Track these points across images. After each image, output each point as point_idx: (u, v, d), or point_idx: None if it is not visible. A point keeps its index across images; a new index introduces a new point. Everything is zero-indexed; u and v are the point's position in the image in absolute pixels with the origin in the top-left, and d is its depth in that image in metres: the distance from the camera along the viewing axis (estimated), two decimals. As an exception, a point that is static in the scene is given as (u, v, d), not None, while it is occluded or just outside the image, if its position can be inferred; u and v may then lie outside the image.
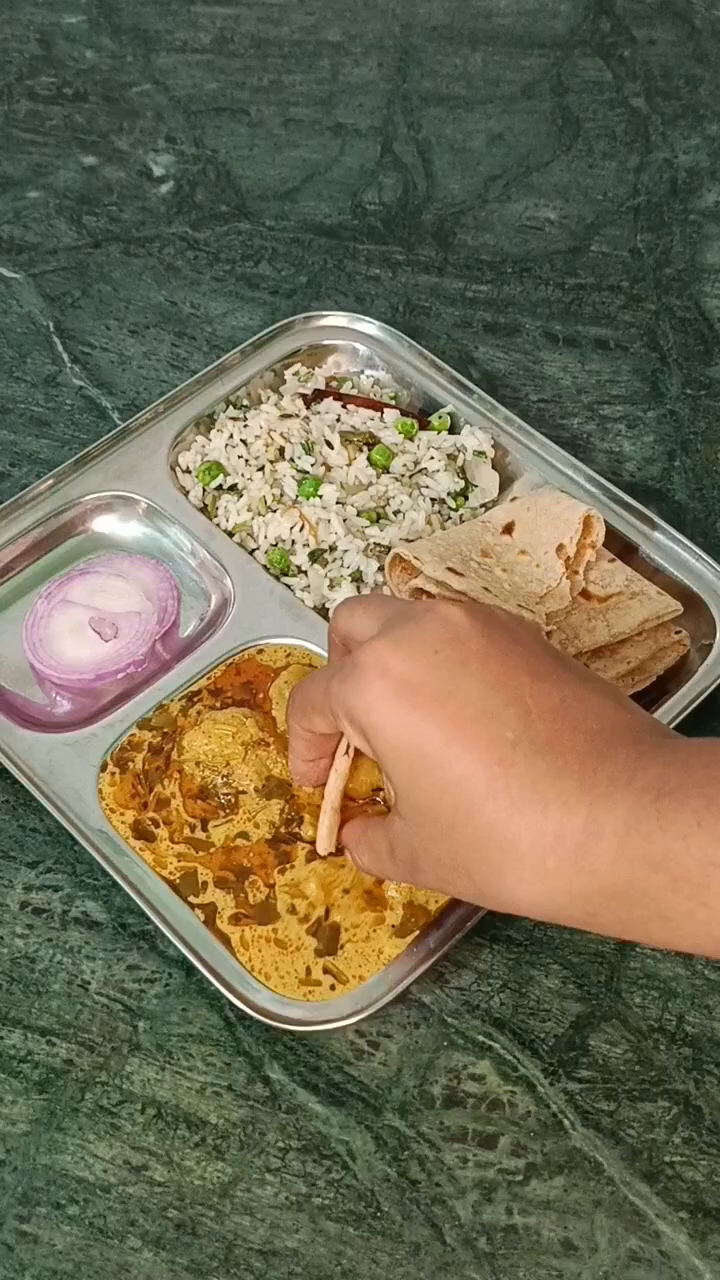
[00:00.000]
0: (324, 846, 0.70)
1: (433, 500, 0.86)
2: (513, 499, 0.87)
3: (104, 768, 0.75)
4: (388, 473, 0.87)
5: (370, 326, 0.95)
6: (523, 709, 0.56)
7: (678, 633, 0.79)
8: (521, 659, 0.58)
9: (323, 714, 0.63)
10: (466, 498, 0.87)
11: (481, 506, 0.87)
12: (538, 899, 0.56)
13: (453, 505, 0.86)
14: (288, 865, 0.71)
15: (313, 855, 0.71)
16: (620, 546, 0.83)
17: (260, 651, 0.80)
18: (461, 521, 0.86)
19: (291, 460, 0.87)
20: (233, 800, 0.73)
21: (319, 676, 0.64)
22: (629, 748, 0.55)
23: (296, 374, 0.93)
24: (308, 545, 0.83)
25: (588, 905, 0.55)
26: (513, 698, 0.56)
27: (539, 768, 0.55)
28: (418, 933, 0.69)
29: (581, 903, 0.55)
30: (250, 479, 0.86)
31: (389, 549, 0.82)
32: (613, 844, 0.53)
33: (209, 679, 0.78)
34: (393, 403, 0.92)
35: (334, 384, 0.93)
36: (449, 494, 0.86)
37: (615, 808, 0.53)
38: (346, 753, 0.68)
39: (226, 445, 0.88)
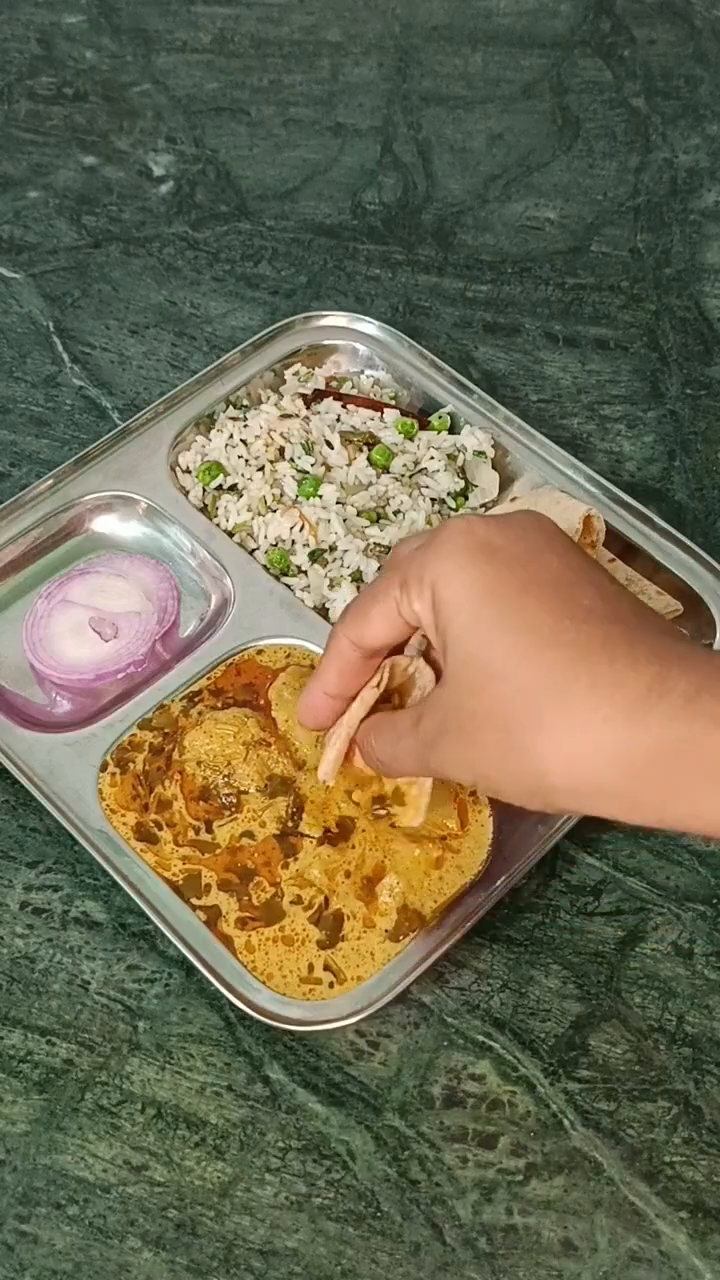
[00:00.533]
0: (328, 772, 0.68)
1: (433, 500, 0.86)
2: (513, 499, 0.87)
3: (104, 768, 0.75)
4: (388, 473, 0.87)
5: (370, 326, 0.95)
6: (600, 590, 0.55)
7: (678, 633, 0.80)
8: (601, 571, 0.57)
9: (385, 595, 0.59)
10: (466, 498, 0.87)
11: (481, 506, 0.87)
12: (574, 756, 0.51)
13: (453, 505, 0.86)
14: (292, 859, 0.71)
15: (321, 841, 0.71)
16: (620, 546, 0.83)
17: (260, 652, 0.80)
18: (461, 521, 0.86)
19: (291, 460, 0.87)
20: (234, 800, 0.73)
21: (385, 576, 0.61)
22: (700, 649, 0.54)
23: (296, 374, 0.93)
24: (308, 545, 0.83)
25: (629, 768, 0.50)
26: (591, 580, 0.55)
27: (612, 631, 0.52)
28: (411, 936, 0.69)
29: (623, 765, 0.50)
30: (250, 479, 0.86)
31: (389, 549, 0.82)
32: (678, 702, 0.49)
33: (209, 679, 0.78)
34: (393, 403, 0.92)
35: (334, 384, 0.93)
36: (449, 494, 0.86)
37: (688, 673, 0.50)
38: (377, 685, 0.65)
39: (226, 445, 0.88)
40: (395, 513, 0.85)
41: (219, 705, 0.77)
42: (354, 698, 0.65)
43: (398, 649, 0.64)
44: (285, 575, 0.83)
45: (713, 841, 0.75)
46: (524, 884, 0.73)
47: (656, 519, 0.84)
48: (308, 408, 0.90)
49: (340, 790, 0.74)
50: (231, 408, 0.91)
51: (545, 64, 1.20)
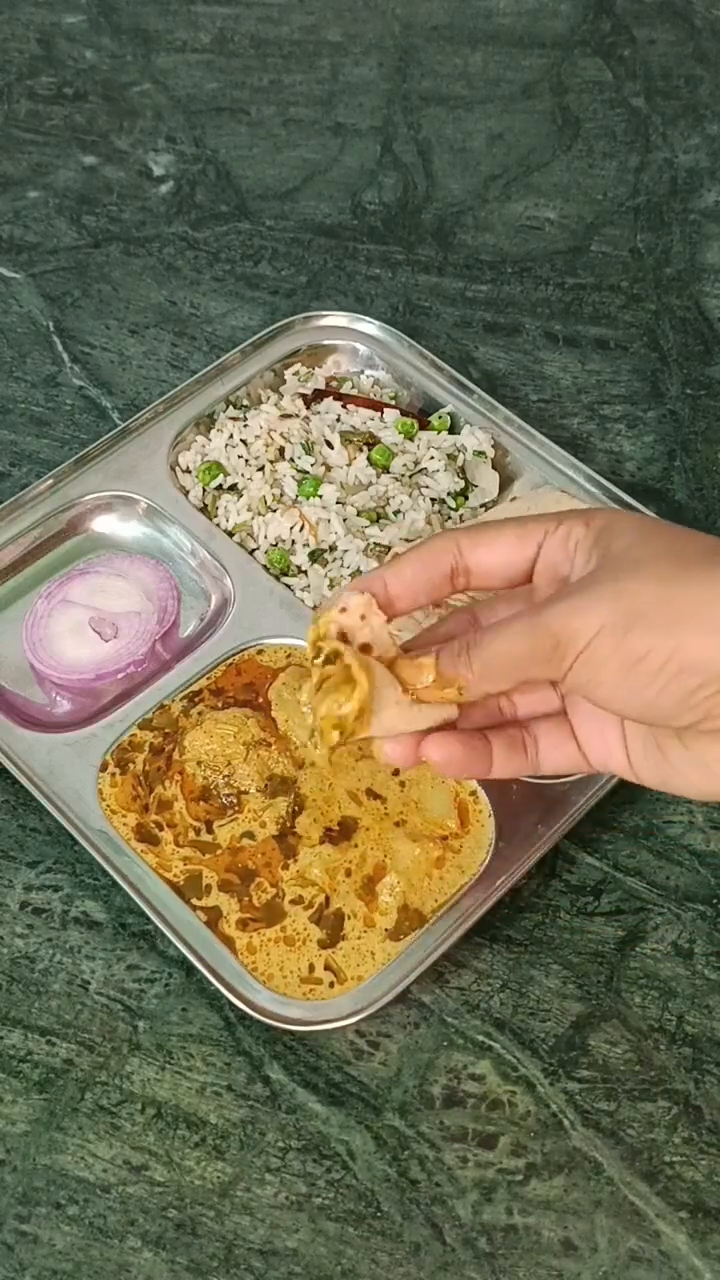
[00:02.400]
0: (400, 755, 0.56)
1: (433, 500, 0.86)
2: (513, 499, 0.87)
3: (104, 768, 0.75)
4: (388, 473, 0.87)
5: (370, 326, 0.95)
6: None
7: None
8: None
9: (534, 524, 0.55)
10: (466, 498, 0.87)
11: (481, 506, 0.87)
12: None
13: (453, 505, 0.86)
14: (292, 859, 0.71)
15: (322, 840, 0.71)
16: (620, 546, 0.83)
17: (260, 652, 0.80)
18: (461, 521, 0.86)
19: (291, 460, 0.87)
20: (235, 800, 0.73)
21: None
22: None
23: (296, 374, 0.93)
24: (308, 545, 0.83)
25: None
26: None
27: None
28: (411, 936, 0.69)
29: None
30: (250, 479, 0.86)
31: (389, 549, 0.82)
32: None
33: (210, 679, 0.78)
34: (393, 403, 0.92)
35: (334, 384, 0.93)
36: (449, 494, 0.86)
37: None
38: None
39: (226, 445, 0.88)
40: (395, 513, 0.85)
41: (219, 705, 0.77)
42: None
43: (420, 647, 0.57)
44: (285, 575, 0.83)
45: (713, 840, 0.75)
46: (524, 884, 0.73)
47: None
48: (308, 408, 0.90)
49: (341, 790, 0.74)
50: (231, 408, 0.91)
51: (545, 64, 1.20)
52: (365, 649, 0.53)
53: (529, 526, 0.55)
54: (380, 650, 0.54)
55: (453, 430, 0.91)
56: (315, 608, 0.81)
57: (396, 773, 0.75)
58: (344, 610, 0.53)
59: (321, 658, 0.53)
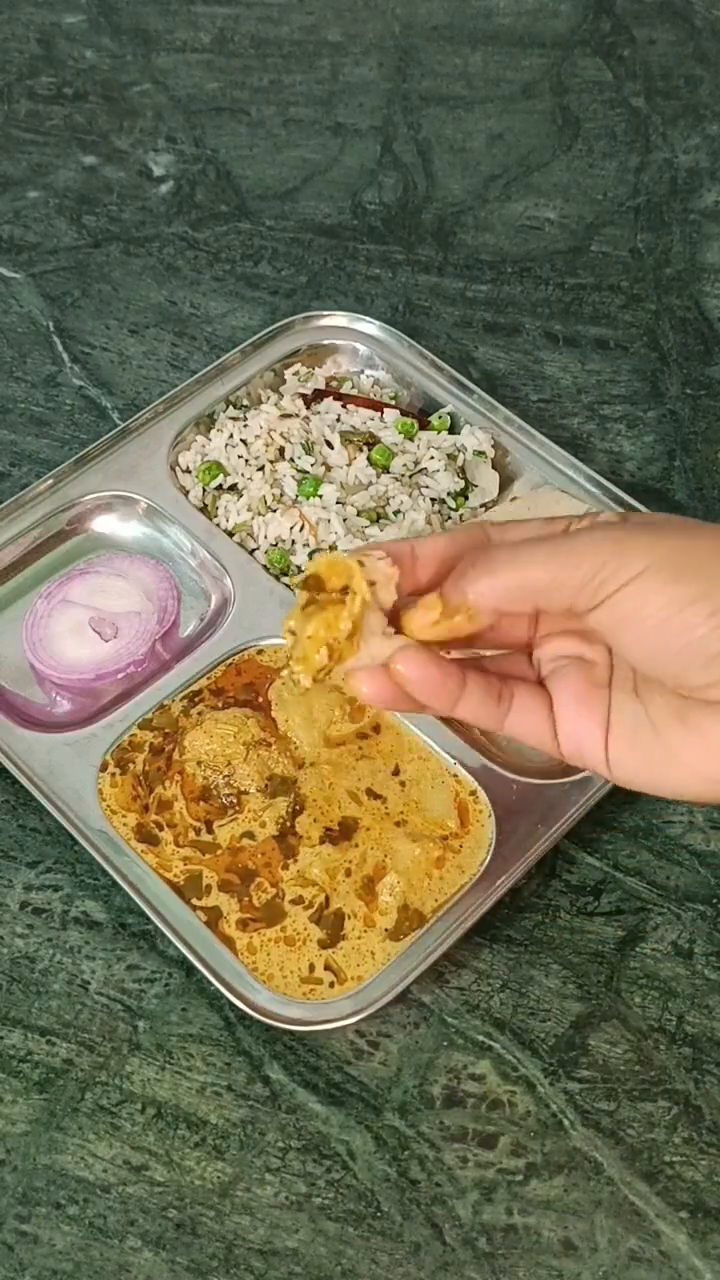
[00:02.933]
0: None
1: (433, 500, 0.86)
2: (513, 499, 0.87)
3: (104, 768, 0.75)
4: (388, 473, 0.87)
5: (370, 326, 0.95)
6: None
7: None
8: None
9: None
10: (466, 498, 0.87)
11: (481, 506, 0.87)
12: None
13: (453, 505, 0.86)
14: (292, 859, 0.71)
15: (322, 840, 0.71)
16: (620, 546, 0.83)
17: (260, 651, 0.80)
18: (461, 521, 0.86)
19: (291, 460, 0.87)
20: (235, 800, 0.73)
21: None
22: None
23: (296, 374, 0.93)
24: (308, 545, 0.83)
25: None
26: None
27: None
28: (411, 936, 0.69)
29: None
30: (250, 479, 0.86)
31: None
32: None
33: (210, 679, 0.78)
34: (393, 403, 0.92)
35: (334, 384, 0.93)
36: (449, 494, 0.86)
37: None
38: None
39: (226, 445, 0.88)
40: (395, 513, 0.85)
41: (219, 705, 0.77)
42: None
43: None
44: (285, 575, 0.83)
45: (713, 840, 0.75)
46: (524, 884, 0.73)
47: (656, 519, 0.84)
48: (308, 408, 0.90)
49: (341, 790, 0.74)
50: (231, 408, 0.91)
51: (545, 64, 1.20)
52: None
53: (555, 519, 0.54)
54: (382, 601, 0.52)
55: (453, 430, 0.91)
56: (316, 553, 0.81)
57: (396, 772, 0.75)
58: (362, 565, 0.51)
59: (303, 589, 0.52)
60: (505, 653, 0.55)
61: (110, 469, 0.87)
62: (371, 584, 0.51)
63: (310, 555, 0.83)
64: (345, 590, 0.51)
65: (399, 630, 0.51)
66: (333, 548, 0.83)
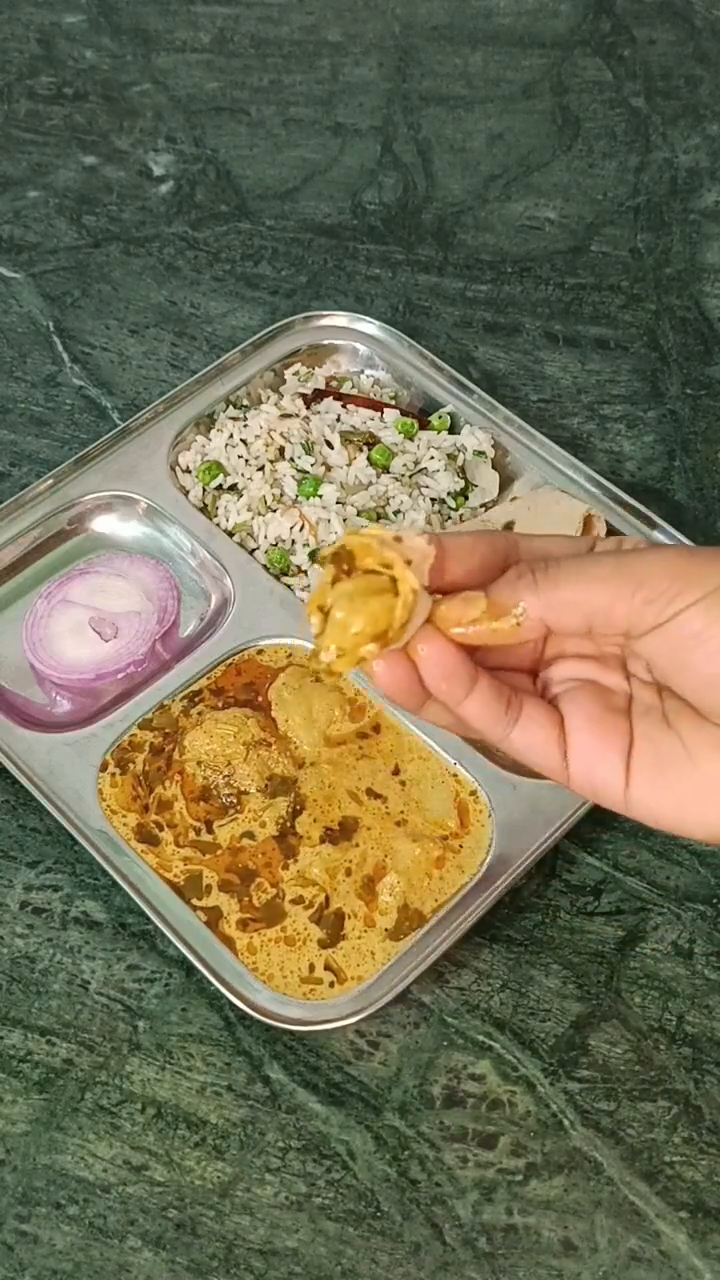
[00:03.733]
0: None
1: (433, 500, 0.86)
2: (513, 499, 0.87)
3: (104, 768, 0.75)
4: (388, 472, 0.87)
5: (370, 326, 0.95)
6: None
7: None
8: None
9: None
10: (466, 497, 0.87)
11: (481, 506, 0.87)
12: None
13: (453, 505, 0.86)
14: (292, 859, 0.71)
15: (323, 839, 0.71)
16: (620, 546, 0.83)
17: (260, 651, 0.80)
18: (461, 521, 0.86)
19: (291, 460, 0.87)
20: (235, 800, 0.73)
21: None
22: None
23: (296, 374, 0.93)
24: (308, 545, 0.83)
25: None
26: None
27: None
28: (411, 936, 0.69)
29: None
30: (250, 479, 0.86)
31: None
32: None
33: (210, 679, 0.78)
34: (393, 403, 0.92)
35: (334, 384, 0.93)
36: (449, 494, 0.86)
37: None
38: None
39: (226, 445, 0.88)
40: (395, 513, 0.85)
41: (219, 705, 0.77)
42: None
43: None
44: (285, 575, 0.83)
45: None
46: (524, 884, 0.73)
47: (656, 519, 0.84)
48: (308, 407, 0.90)
49: (341, 790, 0.74)
50: (231, 408, 0.91)
51: (545, 64, 1.20)
52: None
53: (578, 538, 0.53)
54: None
55: (453, 430, 0.91)
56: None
57: (397, 772, 0.75)
58: (399, 540, 0.48)
59: (331, 565, 0.49)
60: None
61: (110, 469, 0.87)
62: (407, 562, 0.48)
63: (310, 555, 0.83)
64: (375, 569, 0.48)
65: (439, 618, 0.49)
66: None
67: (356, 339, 0.95)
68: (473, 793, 0.74)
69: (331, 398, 0.90)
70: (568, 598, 0.48)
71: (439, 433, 0.90)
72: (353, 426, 0.89)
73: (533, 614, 0.48)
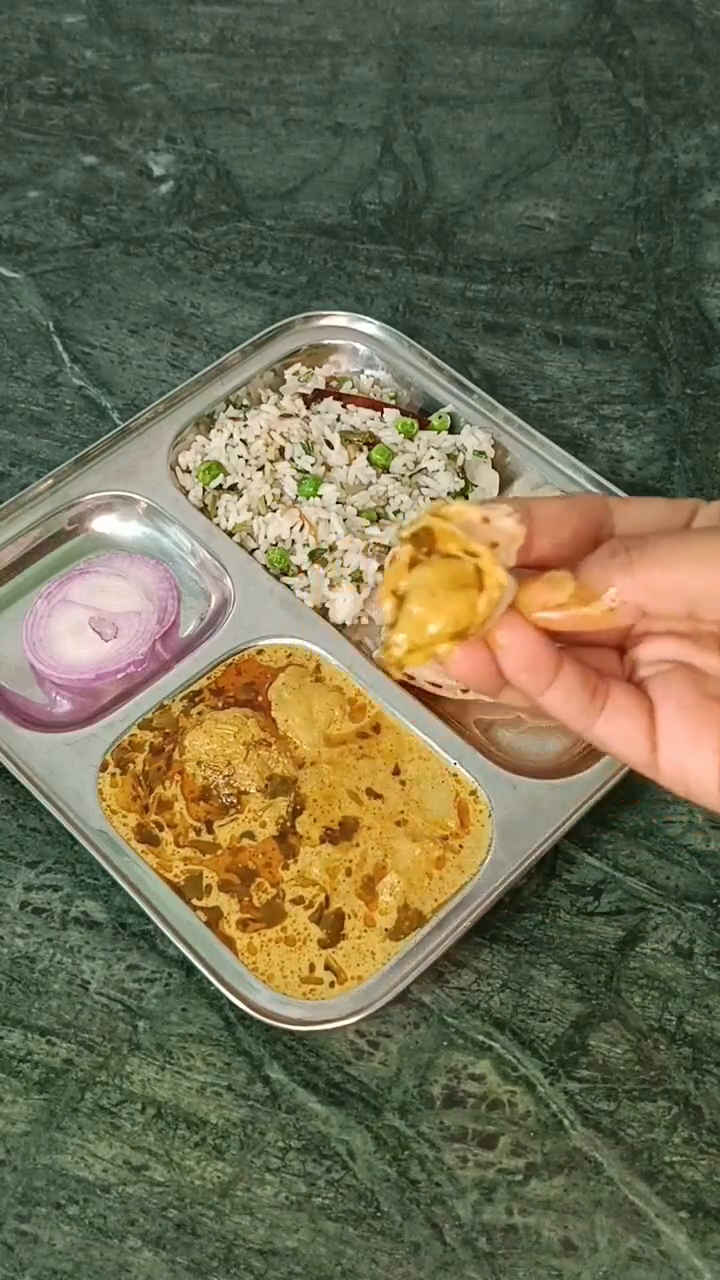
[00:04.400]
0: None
1: (433, 500, 0.86)
2: (513, 499, 0.87)
3: (104, 768, 0.75)
4: (388, 472, 0.87)
5: (370, 326, 0.95)
6: None
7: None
8: None
9: None
10: (466, 498, 0.87)
11: (481, 506, 0.87)
12: None
13: (453, 505, 0.86)
14: (292, 859, 0.71)
15: (323, 839, 0.71)
16: (620, 546, 0.83)
17: (260, 651, 0.80)
18: (461, 521, 0.86)
19: (291, 460, 0.87)
20: (235, 800, 0.73)
21: None
22: None
23: (296, 374, 0.93)
24: (308, 545, 0.83)
25: None
26: None
27: None
28: (411, 936, 0.69)
29: None
30: (250, 479, 0.86)
31: (389, 549, 0.82)
32: None
33: (210, 679, 0.78)
34: (393, 403, 0.92)
35: (334, 384, 0.93)
36: (449, 494, 0.86)
37: None
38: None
39: (226, 445, 0.88)
40: (395, 513, 0.85)
41: (219, 705, 0.77)
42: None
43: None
44: (285, 575, 0.83)
45: (713, 840, 0.75)
46: (524, 884, 0.73)
47: (656, 519, 0.84)
48: (308, 407, 0.90)
49: (341, 790, 0.74)
50: (231, 408, 0.91)
51: (545, 64, 1.20)
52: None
53: (678, 501, 0.48)
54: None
55: (453, 430, 0.91)
56: (315, 609, 0.81)
57: (397, 771, 0.75)
58: (486, 521, 0.43)
59: (409, 545, 0.44)
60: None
61: (110, 469, 0.87)
62: (493, 546, 0.43)
63: (310, 555, 0.83)
64: (456, 554, 0.43)
65: (523, 603, 0.44)
66: (332, 548, 0.83)
67: (356, 339, 0.95)
68: (473, 793, 0.74)
69: (331, 398, 0.90)
70: (667, 581, 0.43)
71: (439, 433, 0.90)
72: (353, 426, 0.89)
73: (627, 599, 0.43)
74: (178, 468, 0.89)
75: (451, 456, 0.88)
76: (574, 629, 0.44)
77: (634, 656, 0.47)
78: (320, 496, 0.84)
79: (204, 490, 0.87)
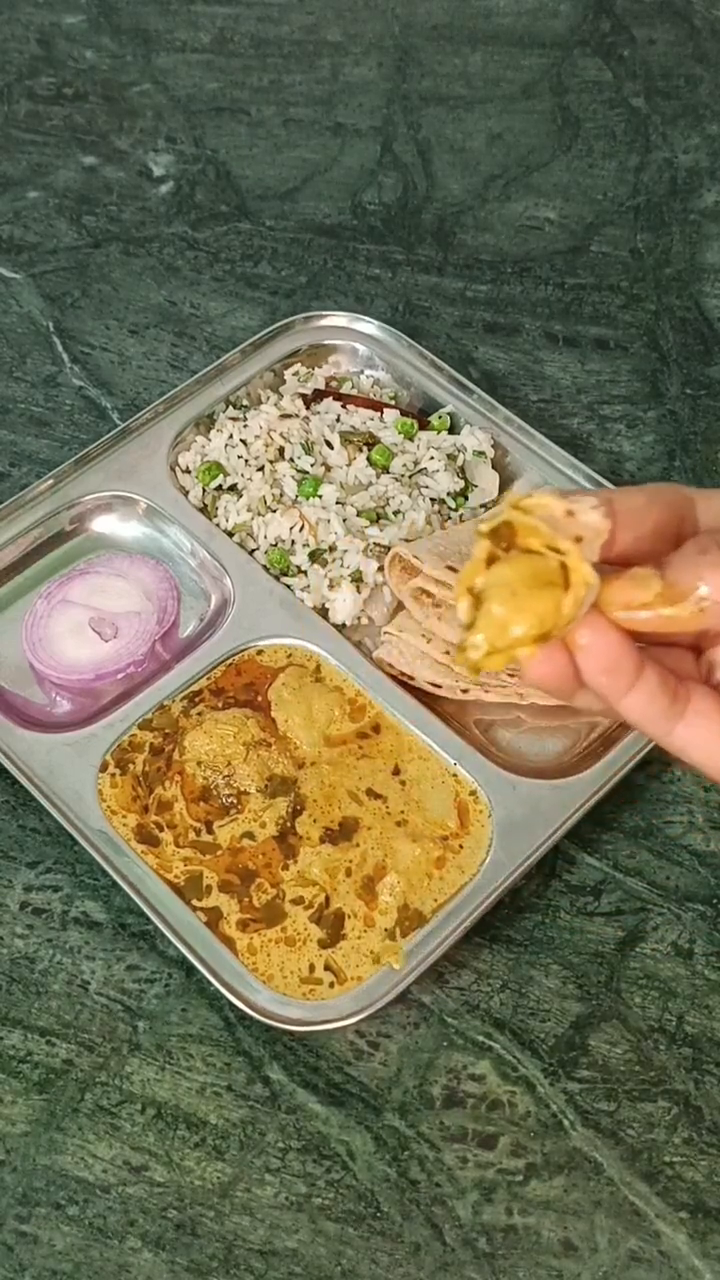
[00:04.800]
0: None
1: (433, 500, 0.86)
2: (513, 499, 0.87)
3: (104, 768, 0.75)
4: (388, 473, 0.87)
5: (370, 326, 0.95)
6: None
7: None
8: None
9: None
10: (466, 497, 0.87)
11: (481, 506, 0.87)
12: None
13: (453, 505, 0.86)
14: (292, 859, 0.71)
15: (323, 839, 0.71)
16: (620, 546, 0.83)
17: (260, 652, 0.80)
18: (461, 521, 0.86)
19: (291, 460, 0.87)
20: (235, 801, 0.73)
21: None
22: None
23: (296, 374, 0.93)
24: (308, 545, 0.83)
25: None
26: None
27: None
28: (412, 937, 0.69)
29: None
30: (250, 479, 0.86)
31: (389, 549, 0.82)
32: None
33: (209, 679, 0.78)
34: (393, 403, 0.92)
35: (334, 384, 0.93)
36: (449, 494, 0.86)
37: None
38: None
39: (226, 445, 0.88)
40: (395, 513, 0.85)
41: (219, 705, 0.77)
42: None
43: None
44: (285, 575, 0.83)
45: (713, 840, 0.75)
46: (524, 884, 0.73)
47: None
48: (308, 408, 0.90)
49: (341, 790, 0.74)
50: (231, 408, 0.91)
51: (545, 64, 1.20)
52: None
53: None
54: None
55: (453, 430, 0.91)
56: (315, 609, 0.81)
57: (397, 772, 0.75)
58: (570, 514, 0.41)
59: (488, 540, 0.41)
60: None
61: (110, 469, 0.87)
62: (577, 540, 0.41)
63: (310, 556, 0.83)
64: (539, 550, 0.41)
65: (605, 601, 0.42)
66: (332, 548, 0.83)
67: (356, 339, 0.95)
68: (473, 793, 0.74)
69: (331, 398, 0.90)
70: None
71: (439, 433, 0.90)
72: (352, 427, 0.89)
73: (718, 598, 0.40)
74: (178, 468, 0.89)
75: (451, 457, 0.88)
76: (658, 630, 0.42)
77: (711, 658, 0.45)
78: (320, 497, 0.84)
79: (204, 490, 0.87)
